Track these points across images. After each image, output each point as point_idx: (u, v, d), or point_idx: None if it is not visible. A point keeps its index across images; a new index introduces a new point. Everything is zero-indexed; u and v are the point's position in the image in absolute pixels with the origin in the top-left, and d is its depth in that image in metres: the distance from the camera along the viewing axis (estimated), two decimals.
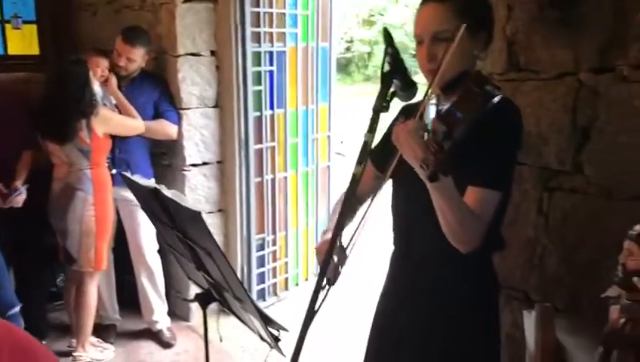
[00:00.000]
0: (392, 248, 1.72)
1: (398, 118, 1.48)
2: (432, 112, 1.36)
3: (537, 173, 1.94)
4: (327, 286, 1.40)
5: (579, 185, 1.85)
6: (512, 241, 1.94)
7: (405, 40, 18.55)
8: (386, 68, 1.27)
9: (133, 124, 3.16)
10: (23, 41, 4.26)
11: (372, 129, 1.23)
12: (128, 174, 1.52)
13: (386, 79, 1.27)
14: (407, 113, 1.50)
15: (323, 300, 1.30)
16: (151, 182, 1.29)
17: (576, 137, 1.82)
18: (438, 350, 1.56)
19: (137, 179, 1.39)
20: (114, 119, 3.06)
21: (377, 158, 1.67)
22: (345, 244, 1.52)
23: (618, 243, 1.75)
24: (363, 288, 2.54)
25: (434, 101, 1.42)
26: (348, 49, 17.75)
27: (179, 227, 1.24)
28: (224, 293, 1.27)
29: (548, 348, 1.67)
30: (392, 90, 1.28)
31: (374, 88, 19.69)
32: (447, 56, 1.28)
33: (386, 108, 1.26)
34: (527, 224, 1.98)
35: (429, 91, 1.34)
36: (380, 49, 18.23)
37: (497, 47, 1.96)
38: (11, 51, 4.18)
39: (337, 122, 4.32)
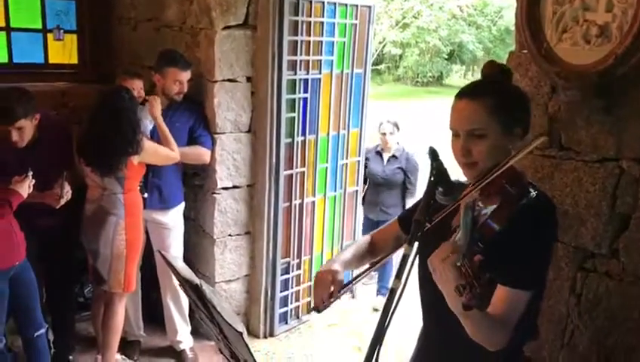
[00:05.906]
0: (420, 323, 1.73)
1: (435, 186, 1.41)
2: (467, 216, 1.35)
3: (572, 252, 1.92)
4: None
5: (614, 270, 1.83)
6: (543, 316, 1.93)
7: (439, 44, 18.49)
8: (432, 179, 1.29)
9: (169, 154, 3.17)
10: (64, 51, 4.34)
11: (412, 241, 1.24)
12: (168, 256, 1.54)
13: (431, 188, 1.29)
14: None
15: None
16: (193, 276, 1.30)
17: (615, 223, 1.80)
18: None
19: (181, 267, 1.40)
20: (151, 149, 3.07)
21: (406, 219, 1.68)
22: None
23: None
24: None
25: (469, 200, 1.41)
26: (380, 48, 17.69)
27: (216, 322, 1.26)
28: None
29: None
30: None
31: (404, 89, 19.62)
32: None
33: (428, 221, 1.27)
34: (560, 301, 1.96)
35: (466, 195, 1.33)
36: (411, 51, 18.19)
37: (539, 123, 1.94)
38: (51, 60, 4.26)
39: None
